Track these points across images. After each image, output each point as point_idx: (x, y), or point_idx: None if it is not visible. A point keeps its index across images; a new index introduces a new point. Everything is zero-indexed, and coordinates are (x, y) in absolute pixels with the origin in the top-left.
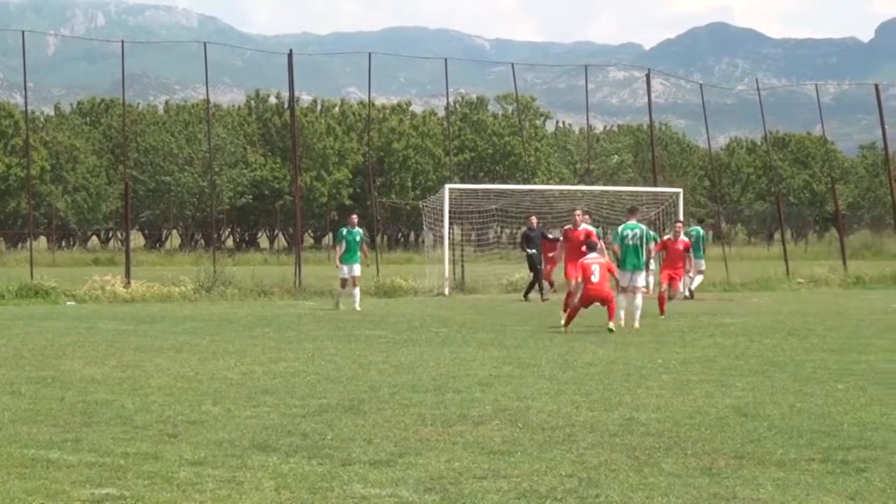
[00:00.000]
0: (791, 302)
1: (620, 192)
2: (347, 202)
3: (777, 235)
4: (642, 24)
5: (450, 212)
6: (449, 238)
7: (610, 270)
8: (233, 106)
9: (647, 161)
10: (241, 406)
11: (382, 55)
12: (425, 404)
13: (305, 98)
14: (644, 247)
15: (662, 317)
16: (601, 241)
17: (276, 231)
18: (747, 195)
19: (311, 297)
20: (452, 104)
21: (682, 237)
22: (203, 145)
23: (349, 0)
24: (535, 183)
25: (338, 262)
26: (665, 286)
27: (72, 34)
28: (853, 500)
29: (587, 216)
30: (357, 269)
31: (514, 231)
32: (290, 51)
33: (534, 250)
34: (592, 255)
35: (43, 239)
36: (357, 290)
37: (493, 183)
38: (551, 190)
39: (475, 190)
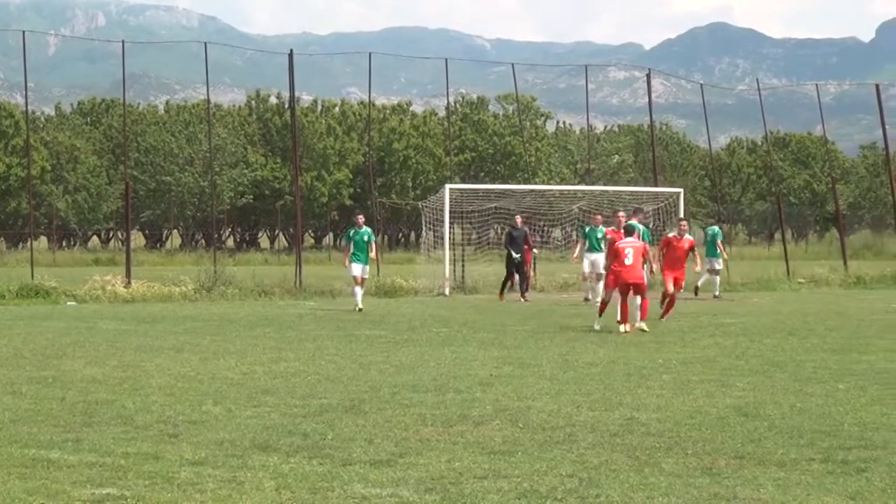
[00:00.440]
0: (791, 302)
1: (621, 192)
2: (348, 202)
3: (777, 235)
4: (642, 24)
5: (450, 212)
6: (449, 238)
7: (644, 255)
8: (233, 106)
9: (647, 161)
10: (242, 406)
11: (383, 55)
12: (426, 404)
13: (306, 98)
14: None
15: (662, 320)
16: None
17: (277, 231)
18: (748, 195)
19: (311, 297)
20: (453, 104)
21: (688, 236)
22: (203, 145)
23: (349, 0)
24: (536, 183)
25: (347, 262)
26: (670, 287)
27: (72, 34)
28: (854, 500)
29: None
30: (366, 270)
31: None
32: (291, 51)
33: (518, 253)
34: (628, 239)
35: (43, 239)
36: (361, 289)
37: (494, 183)
38: (552, 190)
39: (476, 190)
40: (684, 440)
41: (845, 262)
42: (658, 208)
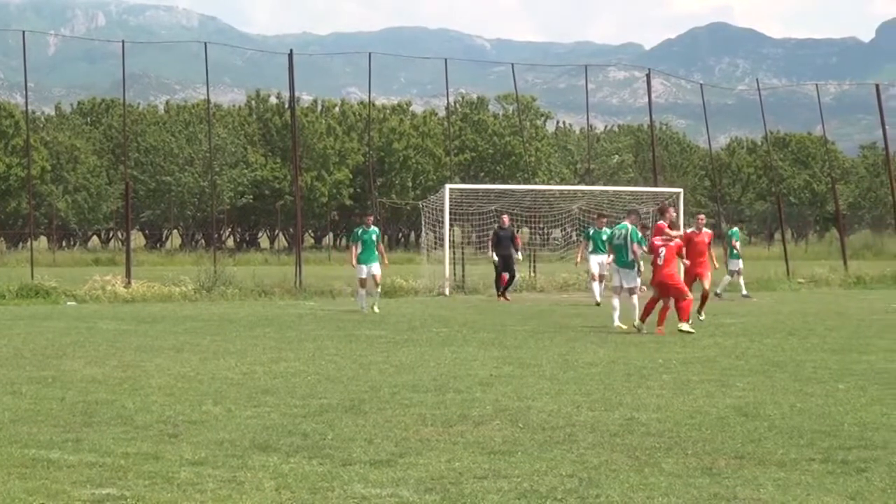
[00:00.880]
0: (791, 302)
1: (620, 192)
2: (348, 202)
3: (777, 235)
4: (642, 24)
5: (450, 212)
6: (449, 238)
7: (679, 253)
8: (233, 106)
9: (647, 161)
10: (242, 406)
11: (383, 55)
12: (426, 404)
13: (306, 98)
14: (629, 246)
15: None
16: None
17: (277, 231)
18: (748, 195)
19: (311, 297)
20: (453, 104)
21: (706, 229)
22: (203, 145)
23: (349, 0)
24: (536, 183)
25: (354, 262)
26: (706, 284)
27: (72, 34)
28: (854, 501)
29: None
30: (376, 268)
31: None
32: (291, 51)
33: (505, 252)
34: (661, 237)
35: (43, 239)
36: (379, 291)
37: (494, 183)
38: (552, 190)
39: (475, 190)
40: (684, 440)
41: (845, 262)
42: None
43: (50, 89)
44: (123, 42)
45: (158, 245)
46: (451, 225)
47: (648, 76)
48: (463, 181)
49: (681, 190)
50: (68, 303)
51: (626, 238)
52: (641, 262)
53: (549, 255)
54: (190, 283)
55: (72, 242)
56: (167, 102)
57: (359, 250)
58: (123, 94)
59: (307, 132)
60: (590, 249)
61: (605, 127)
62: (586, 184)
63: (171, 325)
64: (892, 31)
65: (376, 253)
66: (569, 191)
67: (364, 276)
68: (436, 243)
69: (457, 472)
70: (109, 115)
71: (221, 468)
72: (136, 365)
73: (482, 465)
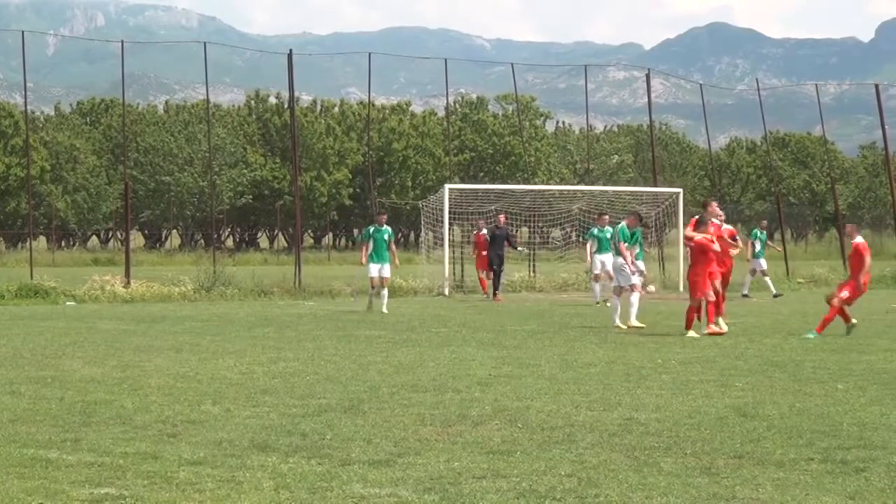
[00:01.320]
0: (791, 302)
1: (620, 192)
2: (347, 202)
3: (777, 235)
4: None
5: (449, 212)
6: (449, 238)
7: (707, 250)
8: (233, 106)
9: (647, 161)
10: (241, 406)
11: (382, 55)
12: (425, 404)
13: (305, 98)
14: (617, 245)
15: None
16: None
17: (276, 231)
18: (747, 195)
19: (311, 296)
20: (452, 104)
21: (727, 226)
22: (203, 145)
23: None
24: (536, 183)
25: (364, 260)
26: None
27: (71, 34)
28: (853, 500)
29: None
30: (387, 269)
31: (514, 231)
32: (290, 51)
33: (500, 251)
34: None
35: (43, 239)
36: (385, 292)
37: (493, 183)
38: (551, 190)
39: (475, 190)
40: (683, 440)
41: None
42: (659, 211)
43: (49, 89)
44: (123, 42)
45: (158, 245)
46: (450, 225)
47: (648, 76)
48: (462, 181)
49: (680, 190)
50: (67, 303)
51: (614, 237)
52: (638, 262)
53: (549, 255)
54: (189, 284)
55: (71, 242)
56: (166, 102)
57: (370, 249)
58: (123, 94)
59: (306, 132)
60: (594, 249)
61: (605, 127)
62: (586, 184)
63: (170, 326)
64: (892, 32)
65: (388, 253)
66: (568, 191)
67: (375, 276)
68: (435, 243)
69: (456, 472)
70: (109, 115)
71: (220, 468)
72: (135, 365)
73: (481, 464)
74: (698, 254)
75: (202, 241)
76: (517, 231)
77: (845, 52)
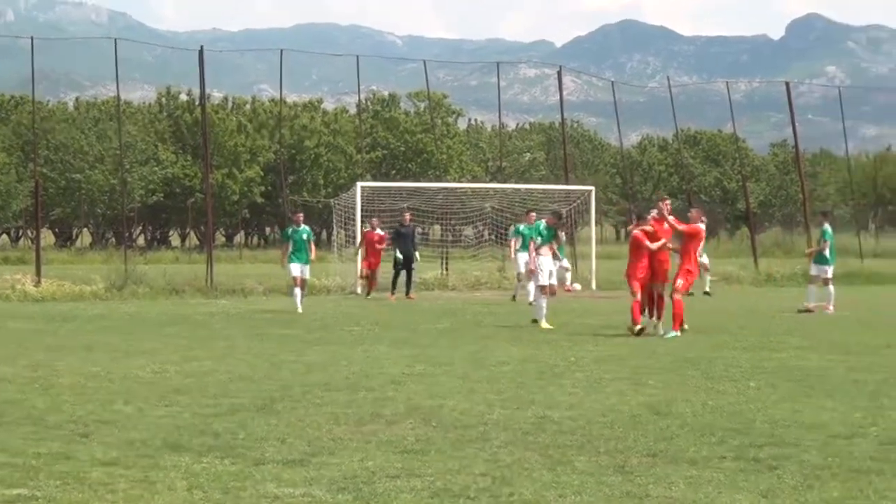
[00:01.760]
0: (702, 300)
1: (532, 189)
2: (259, 200)
3: None
4: (553, 22)
5: (362, 210)
6: (361, 236)
7: (644, 246)
8: (143, 103)
9: (558, 159)
10: (153, 405)
11: (294, 52)
12: (338, 403)
13: (216, 95)
14: (538, 244)
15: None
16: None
17: (188, 229)
18: (659, 192)
19: (223, 295)
20: (364, 101)
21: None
22: (114, 142)
23: None
24: (447, 180)
25: (285, 261)
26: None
27: None
28: (765, 498)
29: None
30: (307, 270)
31: (426, 229)
32: (202, 47)
33: (406, 249)
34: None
35: None
36: (302, 292)
37: (406, 180)
38: (463, 188)
39: (387, 188)
40: (596, 438)
41: (756, 260)
42: (571, 209)
43: None
44: (33, 38)
45: (68, 243)
46: (362, 223)
47: (559, 73)
48: (374, 179)
49: (592, 188)
50: None
51: (538, 235)
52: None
53: (462, 254)
54: (100, 282)
55: None
56: (77, 99)
57: (290, 249)
58: (33, 91)
59: (218, 129)
60: (518, 247)
61: (517, 124)
62: (498, 181)
63: (81, 325)
64: (803, 29)
65: (308, 252)
66: (480, 189)
67: (297, 275)
68: (347, 241)
69: (369, 472)
70: (18, 112)
71: (133, 468)
72: (45, 364)
73: (395, 464)
74: (634, 249)
75: (113, 239)
76: (429, 229)
77: (756, 50)
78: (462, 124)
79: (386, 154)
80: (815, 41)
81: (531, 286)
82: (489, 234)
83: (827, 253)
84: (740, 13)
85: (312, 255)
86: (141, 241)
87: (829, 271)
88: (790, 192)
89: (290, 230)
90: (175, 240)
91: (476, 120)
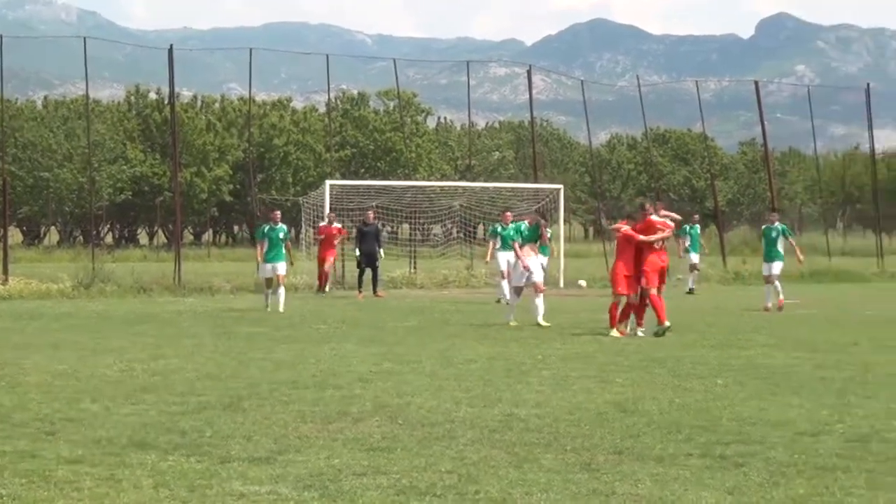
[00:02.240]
0: (670, 298)
1: (501, 188)
2: (228, 198)
3: None
4: (523, 21)
5: (330, 208)
6: None
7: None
8: (112, 101)
9: (528, 157)
10: (120, 403)
11: (263, 51)
12: (305, 401)
13: (186, 94)
14: (519, 244)
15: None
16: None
17: (156, 227)
18: (628, 191)
19: (190, 293)
20: (333, 100)
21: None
22: (82, 141)
23: None
24: (417, 179)
25: (260, 259)
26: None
27: None
28: (732, 495)
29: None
30: (281, 268)
31: (395, 227)
32: (171, 46)
33: (370, 248)
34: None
35: None
36: (282, 290)
37: (375, 179)
38: (432, 186)
39: (356, 186)
40: (563, 436)
41: (724, 259)
42: (539, 207)
43: None
44: (2, 37)
45: (36, 242)
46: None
47: (529, 72)
48: (343, 177)
49: (561, 186)
50: None
51: (520, 235)
52: (523, 259)
53: (430, 252)
54: (68, 280)
55: None
56: (45, 97)
57: (265, 248)
58: (1, 89)
59: (187, 128)
60: (497, 246)
61: (486, 123)
62: (467, 180)
63: (48, 323)
64: (772, 29)
65: (283, 251)
66: (449, 187)
67: (269, 276)
68: (315, 240)
69: (336, 469)
70: None
71: (99, 466)
72: (12, 362)
73: (361, 461)
74: (623, 245)
75: (81, 237)
76: (398, 227)
77: (725, 49)
78: (431, 123)
79: (355, 152)
80: (784, 40)
81: (505, 284)
82: (458, 233)
83: (782, 248)
84: (710, 13)
85: (291, 258)
86: (109, 239)
87: (770, 268)
88: (758, 191)
89: (265, 228)
90: (143, 238)
91: (445, 118)
